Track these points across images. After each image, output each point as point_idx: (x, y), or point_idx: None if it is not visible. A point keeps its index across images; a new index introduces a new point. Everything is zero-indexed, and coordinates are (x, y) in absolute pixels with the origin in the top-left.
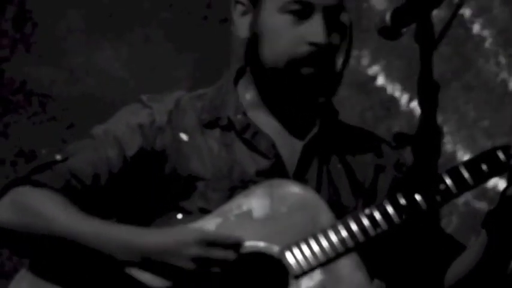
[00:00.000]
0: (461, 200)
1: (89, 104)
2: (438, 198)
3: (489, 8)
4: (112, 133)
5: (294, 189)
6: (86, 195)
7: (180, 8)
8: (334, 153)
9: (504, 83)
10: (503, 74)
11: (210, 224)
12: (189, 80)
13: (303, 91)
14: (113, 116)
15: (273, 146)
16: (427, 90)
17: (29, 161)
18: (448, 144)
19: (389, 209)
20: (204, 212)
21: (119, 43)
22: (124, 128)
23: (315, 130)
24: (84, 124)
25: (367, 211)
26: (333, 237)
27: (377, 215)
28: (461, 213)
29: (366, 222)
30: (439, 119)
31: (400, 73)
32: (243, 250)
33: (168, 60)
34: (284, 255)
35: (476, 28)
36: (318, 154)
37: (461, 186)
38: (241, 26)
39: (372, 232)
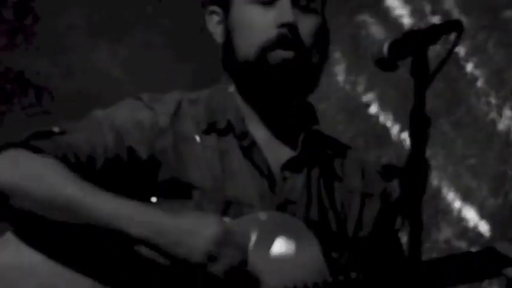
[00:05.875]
0: (441, 237)
1: (84, 101)
2: None
3: (483, 49)
4: (111, 119)
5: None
6: (79, 173)
7: (182, 16)
8: (321, 174)
9: (493, 122)
10: (493, 114)
11: None
12: (186, 89)
13: (276, 82)
14: (113, 108)
15: (266, 162)
16: (418, 124)
17: None
18: (433, 179)
19: None
20: None
21: (118, 45)
22: (125, 119)
23: (295, 153)
24: (78, 121)
25: None
26: None
27: None
28: (441, 250)
29: None
30: (427, 153)
31: (393, 103)
32: None
33: (166, 67)
34: None
35: (469, 67)
36: (301, 172)
37: None
38: (218, 34)
39: None
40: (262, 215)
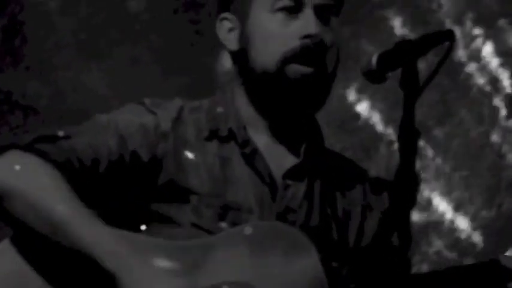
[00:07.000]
0: (432, 249)
1: (73, 121)
2: None
3: (478, 57)
4: (115, 123)
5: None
6: (82, 177)
7: (170, 33)
8: (323, 183)
9: (486, 133)
10: (485, 126)
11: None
12: None
13: (293, 96)
14: (115, 112)
15: (269, 169)
16: (408, 137)
17: None
18: (424, 191)
19: None
20: (196, 227)
21: (107, 62)
22: (128, 123)
23: (299, 160)
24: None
25: None
26: None
27: None
28: (432, 262)
29: None
30: (418, 164)
31: (382, 115)
32: None
33: (154, 83)
34: None
35: (462, 76)
36: (303, 181)
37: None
38: (230, 40)
39: None
40: (248, 229)
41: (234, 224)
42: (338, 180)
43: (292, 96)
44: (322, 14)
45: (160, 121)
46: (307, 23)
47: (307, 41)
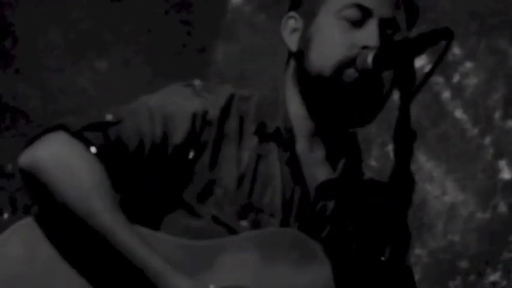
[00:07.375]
0: (425, 251)
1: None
2: None
3: (472, 57)
4: (162, 109)
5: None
6: (125, 162)
7: (160, 34)
8: (352, 202)
9: (482, 134)
10: (481, 126)
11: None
12: None
13: (347, 101)
14: (164, 93)
15: (303, 176)
16: (403, 138)
17: None
18: (418, 193)
19: None
20: (216, 221)
21: (97, 64)
22: (176, 109)
23: (335, 175)
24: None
25: None
26: None
27: None
28: (425, 264)
29: None
30: (412, 167)
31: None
32: None
33: (145, 85)
34: None
35: (456, 77)
36: (335, 196)
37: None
38: (292, 41)
39: None
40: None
41: (255, 223)
42: (367, 199)
43: (346, 102)
44: (385, 27)
45: (208, 107)
46: (370, 34)
47: (366, 51)
